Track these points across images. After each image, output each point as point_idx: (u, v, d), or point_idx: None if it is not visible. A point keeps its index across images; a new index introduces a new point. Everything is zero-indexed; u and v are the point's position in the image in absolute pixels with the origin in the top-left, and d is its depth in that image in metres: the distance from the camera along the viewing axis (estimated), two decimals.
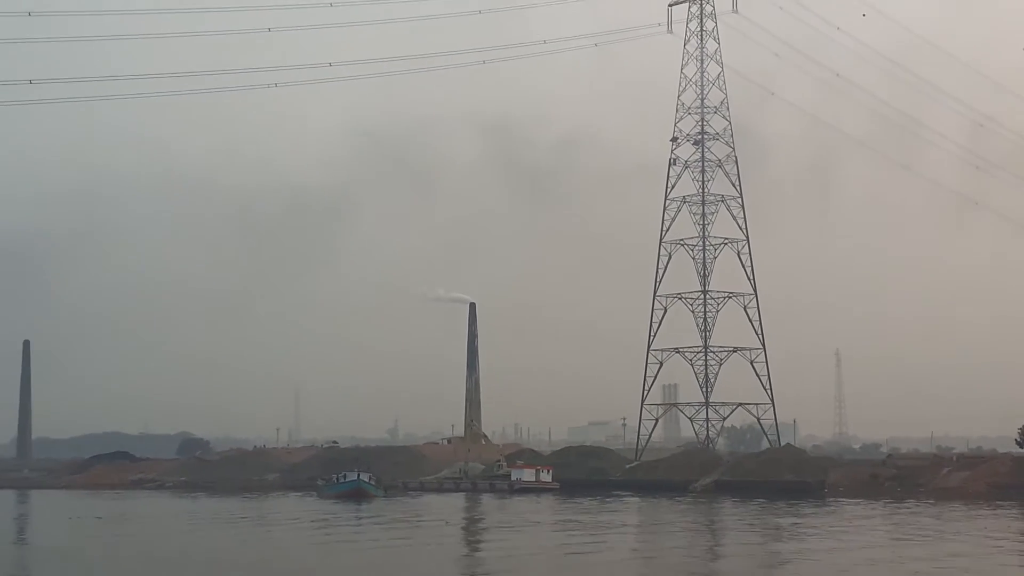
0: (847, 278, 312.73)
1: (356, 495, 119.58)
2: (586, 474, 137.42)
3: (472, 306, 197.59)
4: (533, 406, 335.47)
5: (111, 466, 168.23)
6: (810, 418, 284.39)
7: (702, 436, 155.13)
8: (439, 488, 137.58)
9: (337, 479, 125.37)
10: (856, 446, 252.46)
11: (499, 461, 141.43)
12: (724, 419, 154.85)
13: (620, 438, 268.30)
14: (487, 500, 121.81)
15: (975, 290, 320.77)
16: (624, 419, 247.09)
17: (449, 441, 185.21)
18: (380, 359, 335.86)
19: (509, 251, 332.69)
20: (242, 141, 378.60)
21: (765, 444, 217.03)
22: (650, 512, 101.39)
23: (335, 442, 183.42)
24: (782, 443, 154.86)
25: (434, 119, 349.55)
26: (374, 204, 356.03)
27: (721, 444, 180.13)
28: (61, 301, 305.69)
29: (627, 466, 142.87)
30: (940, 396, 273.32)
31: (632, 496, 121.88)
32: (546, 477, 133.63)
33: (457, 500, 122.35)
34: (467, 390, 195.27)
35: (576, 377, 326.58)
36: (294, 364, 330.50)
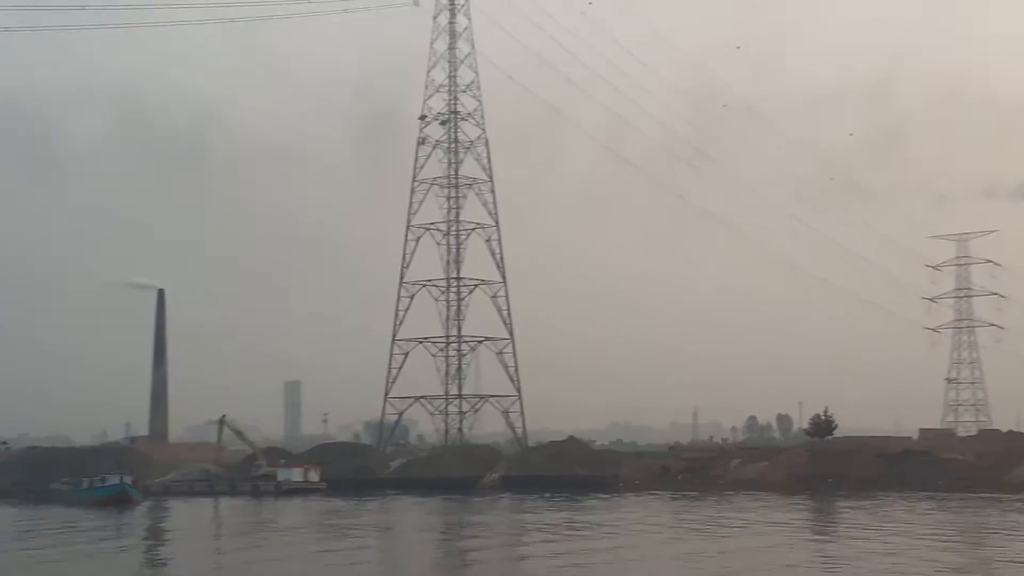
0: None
1: (120, 500, 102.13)
2: (352, 472, 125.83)
3: (161, 292, 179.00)
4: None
5: None
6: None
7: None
8: (190, 491, 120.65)
9: (92, 482, 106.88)
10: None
11: (258, 460, 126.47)
12: (475, 410, 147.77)
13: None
14: (272, 504, 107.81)
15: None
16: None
17: (133, 441, 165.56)
18: None
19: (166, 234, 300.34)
20: None
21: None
22: (490, 512, 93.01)
23: (5, 443, 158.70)
24: (526, 438, 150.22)
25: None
26: None
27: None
28: None
29: (391, 464, 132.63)
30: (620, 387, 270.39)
31: (421, 496, 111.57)
32: (314, 477, 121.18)
33: (243, 504, 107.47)
34: (153, 385, 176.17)
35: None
36: None
